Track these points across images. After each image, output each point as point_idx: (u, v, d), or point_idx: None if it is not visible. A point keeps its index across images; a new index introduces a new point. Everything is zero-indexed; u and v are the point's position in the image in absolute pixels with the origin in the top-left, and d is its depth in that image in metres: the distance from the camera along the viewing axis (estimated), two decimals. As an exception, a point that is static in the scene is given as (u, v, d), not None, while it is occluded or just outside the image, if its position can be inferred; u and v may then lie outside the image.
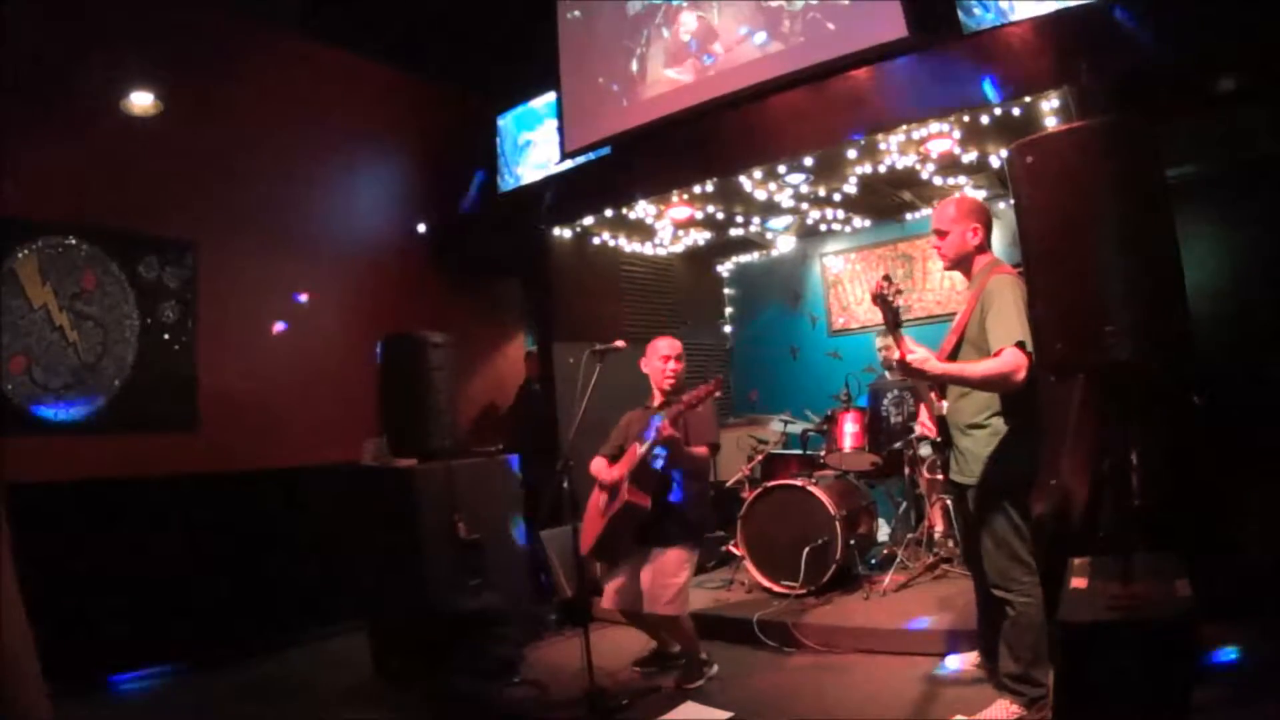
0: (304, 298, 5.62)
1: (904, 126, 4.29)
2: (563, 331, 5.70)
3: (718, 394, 3.50)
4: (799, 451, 5.32)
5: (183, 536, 4.71)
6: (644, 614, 3.60)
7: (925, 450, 4.54)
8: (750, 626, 4.05)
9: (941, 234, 2.99)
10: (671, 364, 3.71)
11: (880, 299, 2.71)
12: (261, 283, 5.41)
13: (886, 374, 5.30)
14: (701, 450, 3.56)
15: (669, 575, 3.51)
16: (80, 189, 4.60)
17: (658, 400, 3.75)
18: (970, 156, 4.77)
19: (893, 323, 2.73)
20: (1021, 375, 2.63)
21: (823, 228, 6.51)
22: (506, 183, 6.47)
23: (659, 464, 3.49)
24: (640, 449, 3.47)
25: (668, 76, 5.13)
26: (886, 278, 2.73)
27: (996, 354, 2.69)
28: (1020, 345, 2.65)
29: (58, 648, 2.62)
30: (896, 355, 2.77)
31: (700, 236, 6.48)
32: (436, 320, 4.93)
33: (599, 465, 3.74)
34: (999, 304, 2.74)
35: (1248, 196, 4.24)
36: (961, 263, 2.99)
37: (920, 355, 2.74)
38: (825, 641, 3.90)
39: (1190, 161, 4.12)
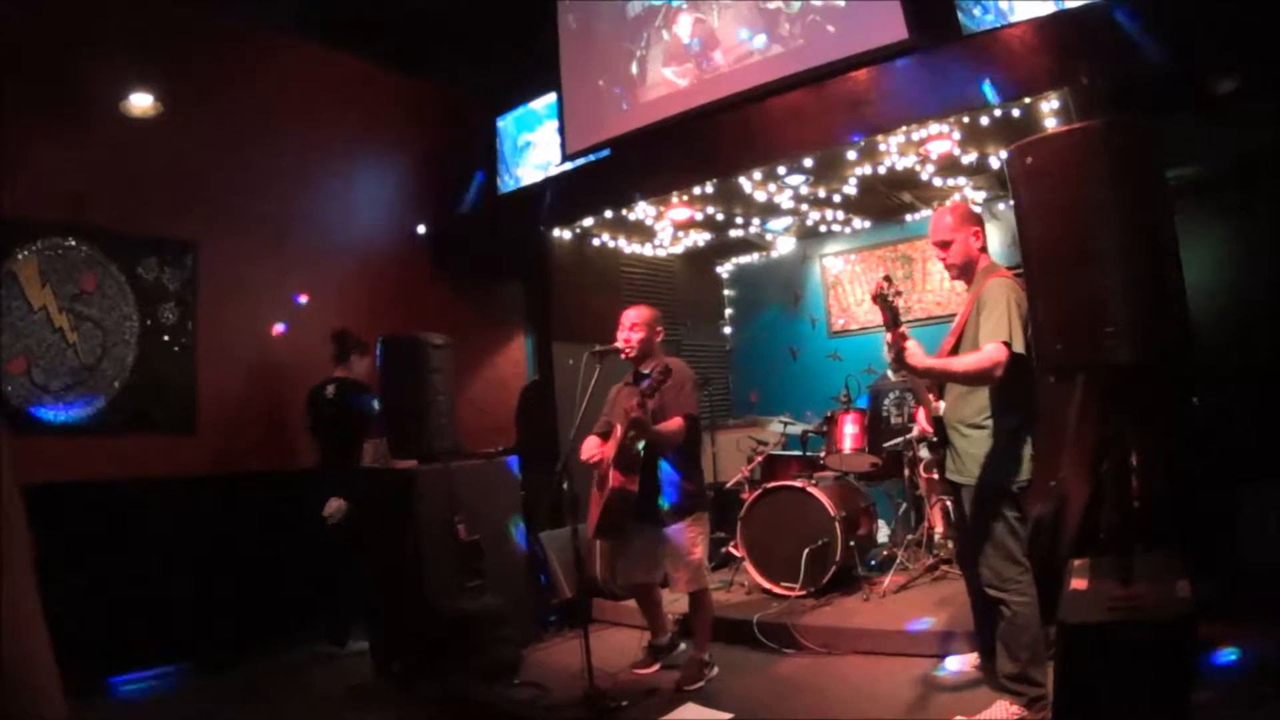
0: (304, 299, 5.62)
1: (904, 128, 4.28)
2: (563, 332, 5.69)
3: (667, 381, 3.48)
4: (799, 453, 5.31)
5: (182, 537, 4.71)
6: (653, 588, 3.78)
7: (925, 451, 4.54)
8: (750, 628, 4.05)
9: (945, 245, 3.03)
10: (625, 333, 3.74)
11: (880, 299, 2.74)
12: (261, 284, 5.41)
13: (889, 375, 5.30)
14: (674, 423, 3.53)
15: (684, 554, 3.59)
16: (80, 190, 4.60)
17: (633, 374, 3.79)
18: (970, 158, 4.76)
19: (892, 322, 2.76)
20: (1000, 371, 2.69)
21: (822, 229, 6.50)
22: (506, 184, 6.48)
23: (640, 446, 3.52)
24: (620, 431, 3.51)
25: (668, 79, 5.13)
26: (887, 278, 2.76)
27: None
28: (1006, 344, 2.71)
29: (58, 648, 2.62)
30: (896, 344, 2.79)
31: (700, 237, 6.47)
32: (436, 321, 4.93)
33: (590, 445, 3.76)
34: (992, 304, 2.82)
35: (1248, 196, 4.25)
36: (967, 269, 3.04)
37: (910, 347, 2.76)
38: (825, 643, 3.89)
39: (1190, 161, 4.12)
